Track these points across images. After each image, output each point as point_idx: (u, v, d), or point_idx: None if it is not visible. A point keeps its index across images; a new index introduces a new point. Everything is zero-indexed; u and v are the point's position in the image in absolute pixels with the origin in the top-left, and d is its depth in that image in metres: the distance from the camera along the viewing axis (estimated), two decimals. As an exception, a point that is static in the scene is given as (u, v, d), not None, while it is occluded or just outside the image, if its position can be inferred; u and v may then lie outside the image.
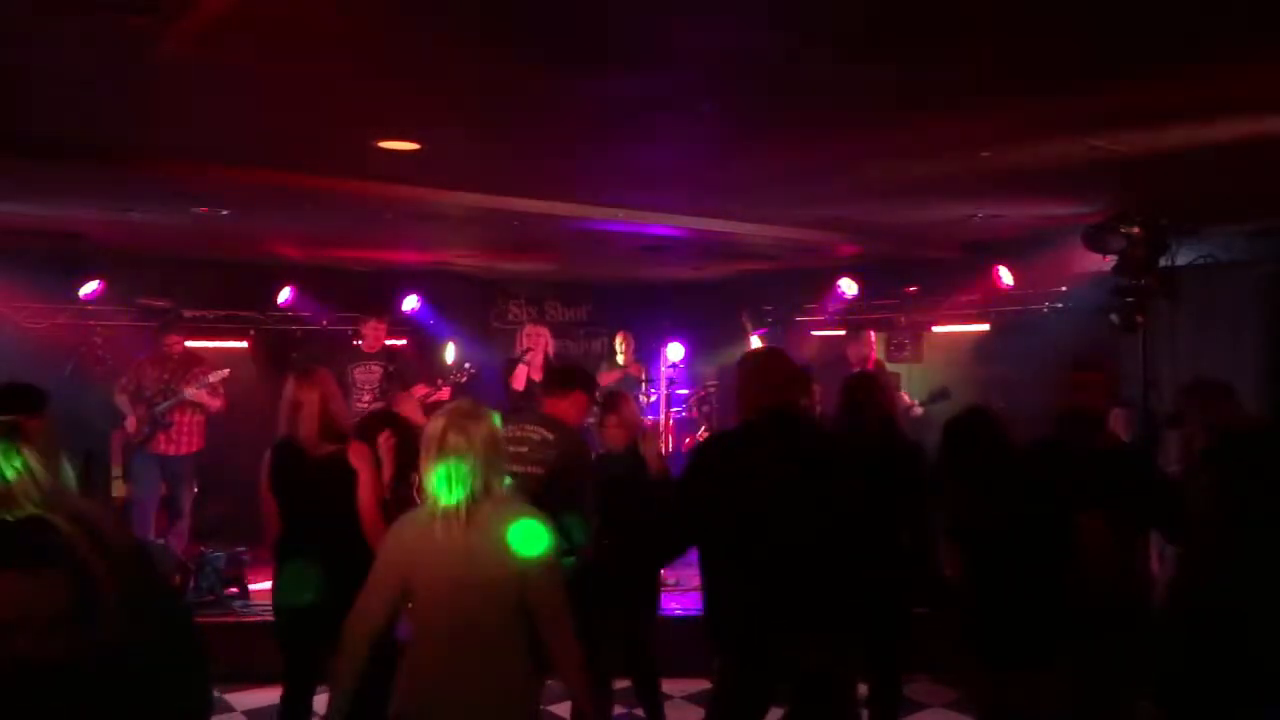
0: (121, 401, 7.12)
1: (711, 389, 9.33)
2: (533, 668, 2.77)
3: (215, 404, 7.27)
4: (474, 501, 2.70)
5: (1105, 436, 3.98)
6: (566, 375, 4.40)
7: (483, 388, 7.91)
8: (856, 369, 7.20)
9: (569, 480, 3.76)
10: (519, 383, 7.12)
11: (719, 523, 3.23)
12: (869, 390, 4.63)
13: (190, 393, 7.12)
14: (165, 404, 7.09)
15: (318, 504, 3.96)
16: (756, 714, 3.30)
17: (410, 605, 2.79)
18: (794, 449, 3.31)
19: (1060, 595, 3.27)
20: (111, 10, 2.91)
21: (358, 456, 3.94)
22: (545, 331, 7.49)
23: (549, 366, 6.97)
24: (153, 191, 5.70)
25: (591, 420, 5.10)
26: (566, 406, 4.15)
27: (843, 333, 8.57)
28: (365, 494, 3.90)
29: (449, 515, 2.70)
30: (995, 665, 3.37)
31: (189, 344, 7.59)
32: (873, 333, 7.98)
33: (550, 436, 3.92)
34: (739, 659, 3.28)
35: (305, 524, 4.00)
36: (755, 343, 9.18)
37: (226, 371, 7.33)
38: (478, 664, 2.70)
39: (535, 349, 7.21)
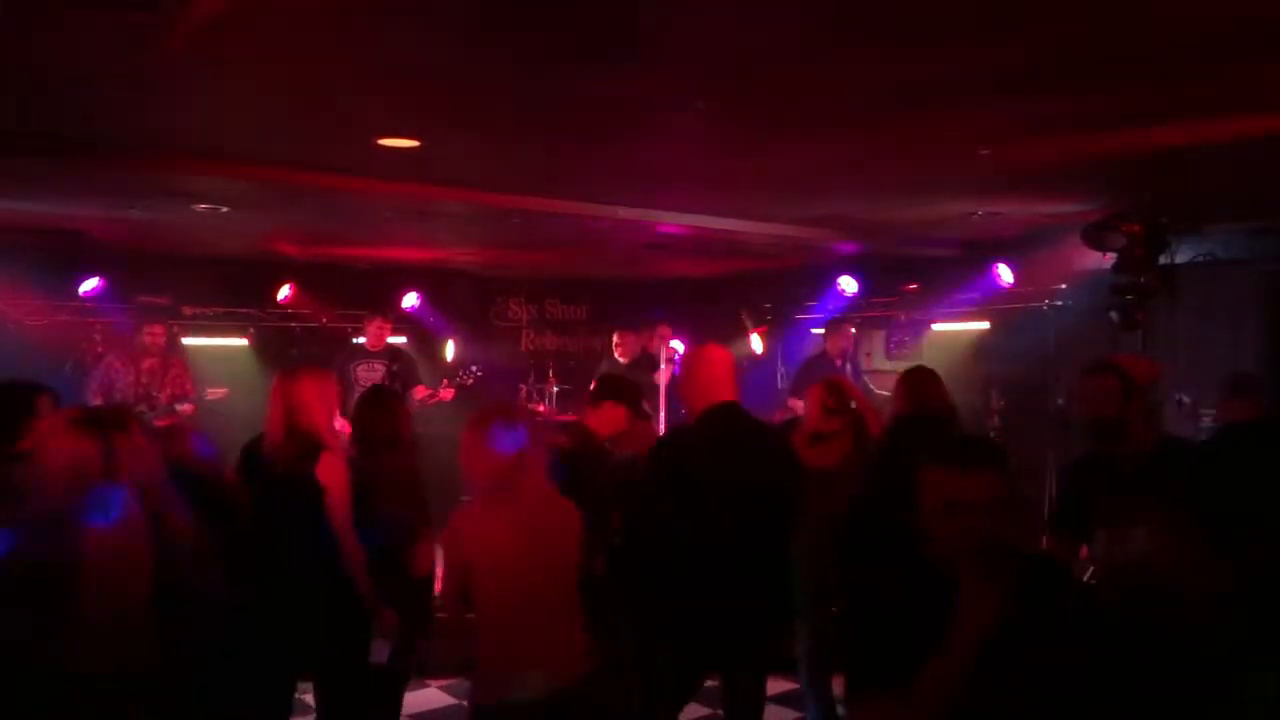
0: (95, 404, 7.00)
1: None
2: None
3: (185, 409, 7.09)
4: (524, 488, 2.98)
5: (1134, 440, 3.81)
6: (597, 387, 4.45)
7: (487, 389, 7.92)
8: (838, 363, 7.36)
9: (578, 489, 3.76)
10: (663, 380, 7.40)
11: (677, 517, 3.40)
12: (927, 383, 4.48)
13: (180, 409, 6.97)
14: (152, 414, 7.01)
15: (283, 528, 3.51)
16: (690, 693, 3.59)
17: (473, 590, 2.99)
18: (739, 443, 3.52)
19: None
20: (111, 7, 2.91)
21: (327, 471, 3.53)
22: (673, 337, 7.73)
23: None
24: (153, 189, 5.70)
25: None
26: (595, 417, 4.25)
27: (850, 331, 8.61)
28: (336, 514, 3.51)
29: (515, 504, 2.96)
30: None
31: (187, 341, 7.56)
32: (853, 328, 8.01)
33: (566, 446, 3.94)
34: (682, 642, 3.45)
35: (271, 550, 3.46)
36: (755, 340, 9.19)
37: (224, 391, 7.22)
38: (549, 632, 2.97)
39: (669, 350, 7.47)
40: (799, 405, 7.34)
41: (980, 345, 7.99)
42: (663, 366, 7.76)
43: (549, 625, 2.99)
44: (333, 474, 3.54)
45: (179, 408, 7.03)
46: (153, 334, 7.05)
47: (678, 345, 8.20)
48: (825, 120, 4.28)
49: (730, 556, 3.40)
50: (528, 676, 2.93)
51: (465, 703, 5.16)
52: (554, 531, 3.04)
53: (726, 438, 3.53)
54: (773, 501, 3.50)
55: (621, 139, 4.65)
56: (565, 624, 3.05)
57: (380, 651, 3.66)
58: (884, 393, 7.53)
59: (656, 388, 7.64)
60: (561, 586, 3.05)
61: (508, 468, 2.97)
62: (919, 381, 4.49)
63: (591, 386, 4.63)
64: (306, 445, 3.57)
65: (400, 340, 8.44)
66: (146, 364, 7.06)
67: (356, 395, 7.04)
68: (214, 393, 7.17)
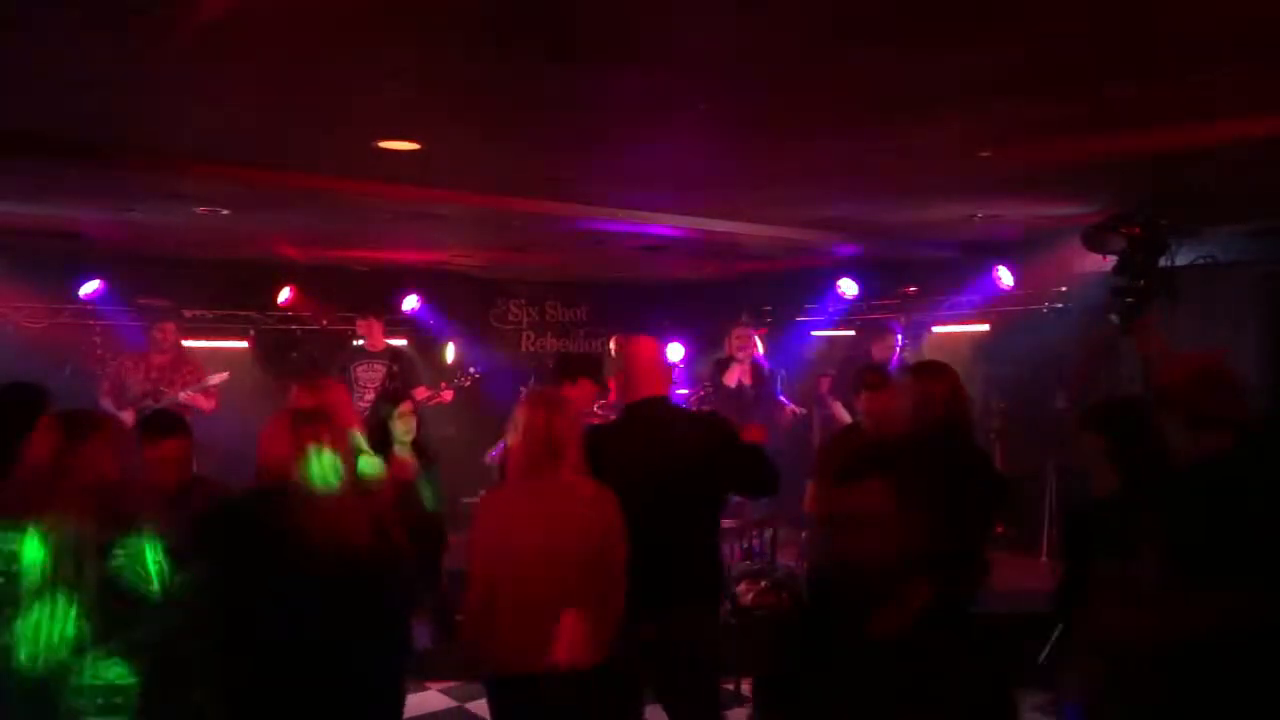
0: (106, 404, 7.02)
1: (710, 389, 9.33)
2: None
3: (208, 405, 7.16)
4: (550, 476, 3.05)
5: None
6: (569, 364, 4.37)
7: (486, 390, 7.92)
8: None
9: None
10: (731, 379, 7.33)
11: None
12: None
13: (184, 396, 7.05)
14: (158, 406, 7.03)
15: None
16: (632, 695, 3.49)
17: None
18: (660, 435, 3.51)
19: None
20: (111, 9, 2.91)
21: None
22: (754, 334, 7.58)
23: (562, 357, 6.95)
24: (153, 191, 5.70)
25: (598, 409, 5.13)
26: (574, 396, 4.19)
27: (850, 333, 8.62)
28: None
29: (534, 488, 3.06)
30: None
31: (187, 343, 7.57)
32: (899, 334, 7.94)
33: None
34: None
35: None
36: (755, 343, 9.19)
37: (226, 375, 7.22)
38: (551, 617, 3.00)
39: (748, 349, 7.37)
40: (840, 411, 7.31)
41: (980, 348, 7.99)
42: (733, 367, 7.45)
43: (556, 611, 3.00)
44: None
45: (183, 396, 7.03)
46: (164, 331, 7.18)
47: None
48: (825, 121, 4.29)
49: (647, 544, 3.34)
50: (528, 655, 2.98)
51: (465, 706, 5.19)
52: (577, 519, 3.05)
53: (648, 431, 3.52)
54: (696, 491, 3.47)
55: (622, 141, 4.65)
56: (580, 610, 3.03)
57: (421, 636, 3.64)
58: None
59: (725, 389, 7.34)
60: (580, 575, 3.04)
61: (538, 447, 3.06)
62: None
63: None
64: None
65: (400, 342, 8.45)
66: (157, 361, 7.15)
67: (357, 396, 7.12)
68: (216, 378, 7.17)
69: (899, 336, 7.89)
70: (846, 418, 7.14)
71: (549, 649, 2.97)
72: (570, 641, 2.98)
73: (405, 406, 4.59)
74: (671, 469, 3.44)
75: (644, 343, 3.72)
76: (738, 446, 3.61)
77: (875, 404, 4.50)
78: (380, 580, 2.78)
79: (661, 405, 3.62)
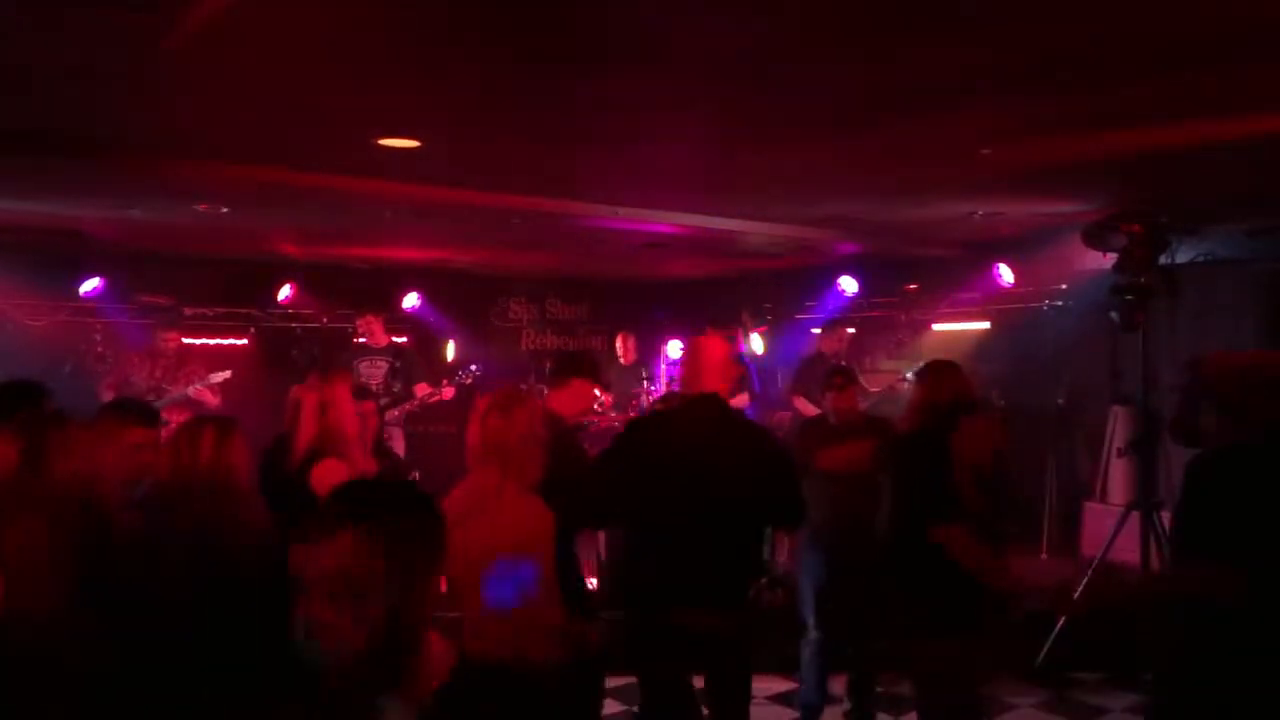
0: (108, 399, 7.03)
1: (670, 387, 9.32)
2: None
3: (213, 401, 7.21)
4: (504, 479, 2.98)
5: None
6: (563, 364, 4.20)
7: (487, 388, 7.91)
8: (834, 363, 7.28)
9: (554, 482, 3.65)
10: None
11: (635, 494, 3.45)
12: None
13: (192, 391, 7.09)
14: (163, 401, 7.05)
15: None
16: (675, 685, 3.49)
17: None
18: (709, 430, 3.50)
19: None
20: (111, 8, 2.91)
21: (323, 477, 3.41)
22: (720, 336, 7.68)
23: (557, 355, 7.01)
24: (153, 189, 5.71)
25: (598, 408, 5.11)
26: (566, 398, 4.00)
27: (850, 330, 8.61)
28: None
29: (484, 489, 2.99)
30: None
31: (185, 340, 7.60)
32: (849, 330, 8.04)
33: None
34: (645, 625, 3.46)
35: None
36: (756, 341, 9.19)
37: (228, 373, 7.26)
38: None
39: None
40: (803, 404, 7.34)
41: (981, 345, 7.99)
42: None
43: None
44: (329, 480, 3.34)
45: (192, 391, 7.06)
46: (168, 340, 7.27)
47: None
48: (825, 120, 4.29)
49: (682, 537, 3.39)
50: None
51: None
52: (512, 529, 2.99)
53: (695, 425, 3.53)
54: (738, 491, 3.44)
55: (622, 139, 4.65)
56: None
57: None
58: (875, 390, 7.53)
59: None
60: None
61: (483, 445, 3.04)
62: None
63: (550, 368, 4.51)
64: (318, 450, 3.50)
65: (402, 340, 8.46)
66: (163, 360, 7.23)
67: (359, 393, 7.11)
68: (217, 376, 7.21)
69: (848, 330, 8.04)
70: (811, 411, 7.17)
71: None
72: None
73: (366, 406, 4.31)
74: (709, 465, 3.43)
75: (713, 341, 3.77)
76: (782, 469, 3.63)
77: (840, 403, 4.85)
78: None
79: (716, 402, 3.60)
